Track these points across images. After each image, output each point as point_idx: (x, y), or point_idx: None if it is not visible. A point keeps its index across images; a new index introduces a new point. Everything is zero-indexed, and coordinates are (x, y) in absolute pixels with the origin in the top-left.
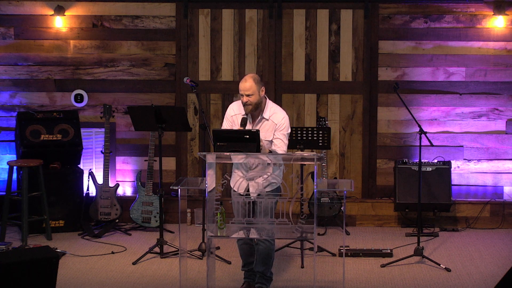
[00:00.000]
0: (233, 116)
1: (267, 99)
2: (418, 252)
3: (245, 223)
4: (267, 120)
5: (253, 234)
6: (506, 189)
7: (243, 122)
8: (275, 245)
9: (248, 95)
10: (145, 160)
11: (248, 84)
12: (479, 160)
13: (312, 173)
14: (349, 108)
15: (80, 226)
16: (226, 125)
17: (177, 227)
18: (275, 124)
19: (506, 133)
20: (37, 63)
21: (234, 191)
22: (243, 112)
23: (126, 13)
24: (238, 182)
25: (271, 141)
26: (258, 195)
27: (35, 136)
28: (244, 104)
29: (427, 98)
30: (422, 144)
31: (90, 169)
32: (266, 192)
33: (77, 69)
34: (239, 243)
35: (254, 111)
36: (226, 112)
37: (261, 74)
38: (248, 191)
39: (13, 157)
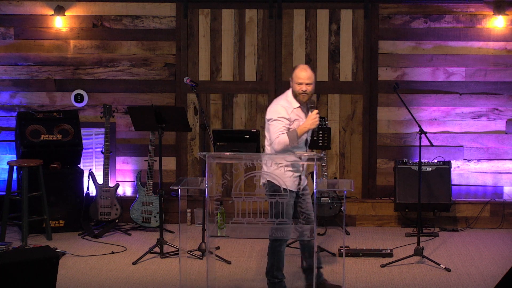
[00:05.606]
0: (295, 109)
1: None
2: (418, 252)
3: (245, 223)
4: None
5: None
6: (506, 189)
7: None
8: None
9: (307, 84)
10: (145, 160)
11: (309, 72)
12: (479, 160)
13: (312, 173)
14: (349, 108)
15: (80, 226)
16: (285, 122)
17: (177, 227)
18: None
19: (506, 133)
20: (37, 63)
21: (284, 189)
22: (295, 105)
23: (126, 13)
24: (289, 179)
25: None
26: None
27: (35, 136)
28: (302, 93)
29: (427, 98)
30: (422, 144)
31: (90, 169)
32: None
33: (77, 69)
34: (282, 248)
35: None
36: (279, 113)
37: (261, 74)
38: (299, 186)
39: (13, 157)
